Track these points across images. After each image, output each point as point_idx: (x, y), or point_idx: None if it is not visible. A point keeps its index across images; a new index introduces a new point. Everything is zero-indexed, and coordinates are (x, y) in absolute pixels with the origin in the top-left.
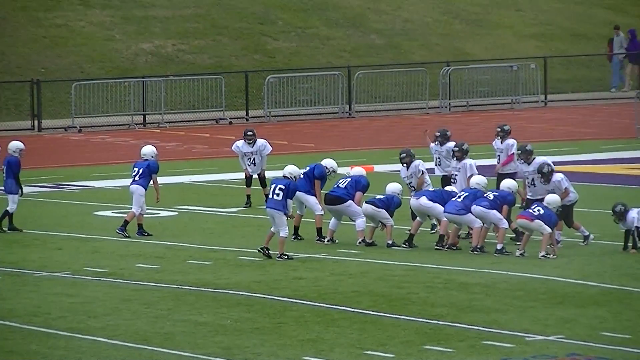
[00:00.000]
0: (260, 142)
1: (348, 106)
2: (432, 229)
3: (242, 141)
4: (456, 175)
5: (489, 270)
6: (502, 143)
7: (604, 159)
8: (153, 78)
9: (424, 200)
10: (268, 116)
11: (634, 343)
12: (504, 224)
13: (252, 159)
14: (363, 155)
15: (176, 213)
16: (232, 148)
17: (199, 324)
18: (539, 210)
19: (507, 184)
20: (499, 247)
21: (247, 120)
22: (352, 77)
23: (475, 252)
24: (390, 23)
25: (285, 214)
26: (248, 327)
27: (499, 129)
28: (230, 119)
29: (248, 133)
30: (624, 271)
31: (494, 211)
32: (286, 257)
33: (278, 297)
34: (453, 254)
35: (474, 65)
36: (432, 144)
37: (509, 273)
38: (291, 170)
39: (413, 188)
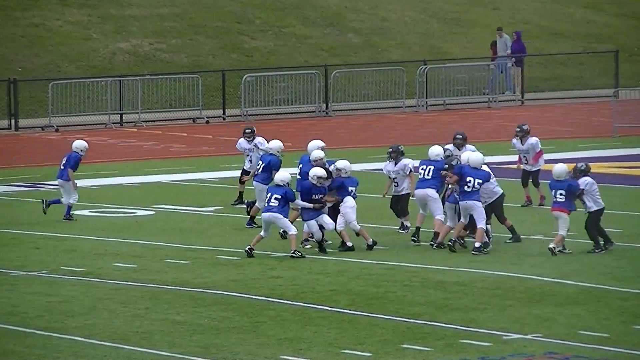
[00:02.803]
0: (258, 139)
1: (325, 105)
2: (401, 228)
3: (243, 139)
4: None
5: (466, 269)
6: (523, 144)
7: (581, 157)
8: (130, 77)
9: (431, 191)
10: (245, 115)
11: (611, 342)
12: (483, 223)
13: (249, 156)
14: (340, 154)
15: (153, 212)
16: (236, 147)
17: (177, 323)
18: (561, 194)
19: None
20: (477, 245)
21: (223, 119)
22: (329, 76)
23: (441, 247)
24: (367, 22)
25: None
26: (226, 326)
27: (518, 129)
28: (207, 118)
29: (247, 131)
30: (602, 270)
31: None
32: (299, 254)
33: (256, 296)
34: (431, 253)
35: (451, 64)
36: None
37: (486, 272)
38: (282, 177)
39: (397, 184)
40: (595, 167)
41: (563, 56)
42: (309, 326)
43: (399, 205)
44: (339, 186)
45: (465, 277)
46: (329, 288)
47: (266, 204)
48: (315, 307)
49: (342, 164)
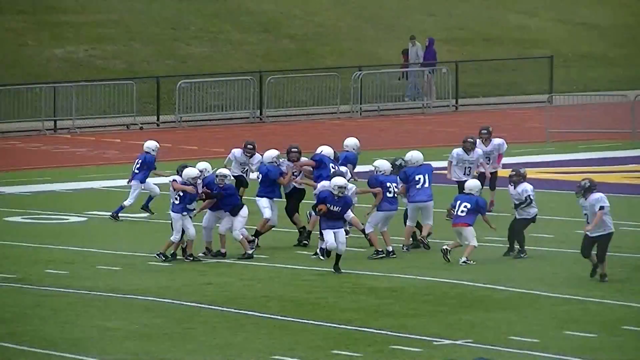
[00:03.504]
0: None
1: (259, 111)
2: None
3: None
4: None
5: (397, 275)
6: (487, 146)
7: (515, 163)
8: (64, 84)
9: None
10: (179, 121)
11: (541, 347)
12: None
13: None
14: None
15: (85, 218)
16: (230, 156)
17: (108, 329)
18: (466, 207)
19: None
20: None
21: (158, 125)
22: (264, 82)
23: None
24: (302, 28)
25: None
26: (157, 332)
27: (484, 131)
28: (141, 124)
29: (248, 146)
30: (532, 275)
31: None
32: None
33: (187, 302)
34: (362, 259)
35: (385, 70)
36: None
37: (418, 277)
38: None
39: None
40: (528, 173)
41: (497, 62)
42: (240, 332)
43: None
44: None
45: (397, 282)
46: (260, 294)
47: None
48: (246, 313)
49: (224, 171)
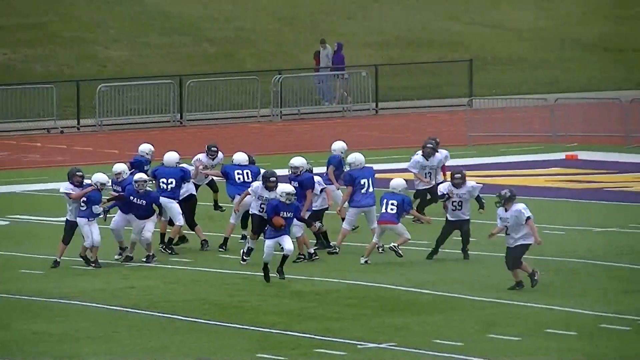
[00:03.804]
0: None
1: (179, 115)
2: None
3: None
4: None
5: (320, 278)
6: (428, 160)
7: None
8: None
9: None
10: (100, 125)
11: (465, 350)
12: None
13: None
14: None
15: (7, 222)
16: (193, 161)
17: (33, 332)
18: (394, 205)
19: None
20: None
21: (78, 129)
22: (184, 85)
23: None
24: (222, 31)
25: None
26: (82, 335)
27: (431, 145)
28: (61, 128)
29: (212, 148)
30: (457, 278)
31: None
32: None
33: (111, 306)
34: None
35: (305, 74)
36: None
37: (342, 281)
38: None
39: None
40: (449, 176)
41: (417, 65)
42: (164, 336)
43: None
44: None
45: (321, 286)
46: (183, 298)
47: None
48: (169, 317)
49: (143, 176)
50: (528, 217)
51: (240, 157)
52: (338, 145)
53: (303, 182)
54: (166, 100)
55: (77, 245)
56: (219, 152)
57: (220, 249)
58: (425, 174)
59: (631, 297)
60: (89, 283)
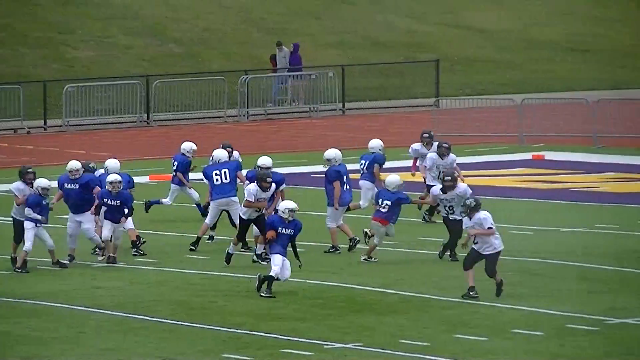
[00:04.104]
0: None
1: (146, 115)
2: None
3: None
4: None
5: (288, 279)
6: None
7: (403, 166)
8: None
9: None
10: (66, 125)
11: (432, 350)
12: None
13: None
14: (161, 164)
15: None
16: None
17: None
18: (387, 204)
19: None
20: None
21: (45, 129)
22: (151, 86)
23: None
24: (188, 32)
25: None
26: (48, 336)
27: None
28: (28, 128)
29: (227, 149)
30: (423, 279)
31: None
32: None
33: (77, 306)
34: (249, 264)
35: (273, 74)
36: None
37: (308, 281)
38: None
39: None
40: (417, 177)
41: (384, 66)
42: (130, 336)
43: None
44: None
45: (287, 286)
46: (149, 298)
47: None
48: (135, 317)
49: (113, 177)
50: (490, 227)
51: (219, 154)
52: (376, 143)
53: (278, 180)
54: (133, 100)
55: (42, 245)
56: (234, 151)
57: (192, 248)
58: (440, 172)
59: (598, 297)
60: (54, 283)
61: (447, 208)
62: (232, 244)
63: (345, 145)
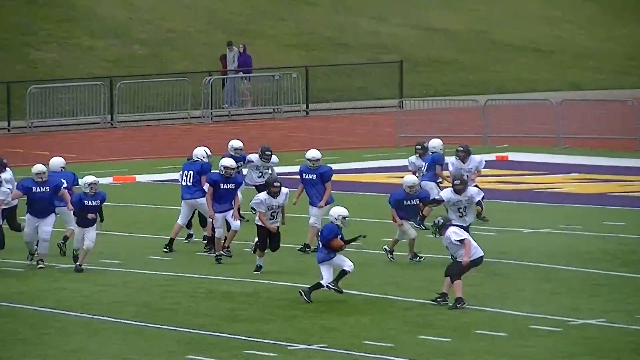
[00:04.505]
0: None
1: (110, 116)
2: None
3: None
4: None
5: (251, 280)
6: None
7: (367, 167)
8: None
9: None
10: (30, 127)
11: (395, 351)
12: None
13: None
14: (125, 165)
15: None
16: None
17: None
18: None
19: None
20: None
21: (9, 131)
22: (115, 87)
23: None
24: (152, 33)
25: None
26: (11, 338)
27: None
28: None
29: (266, 153)
30: (387, 280)
31: None
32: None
33: (41, 307)
34: (214, 265)
35: (235, 75)
36: None
37: (272, 282)
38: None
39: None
40: (380, 177)
41: (348, 67)
42: (95, 337)
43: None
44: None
45: (251, 287)
46: (114, 299)
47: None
48: (100, 319)
49: (92, 179)
50: (460, 240)
51: (196, 152)
52: (437, 143)
53: (237, 183)
54: (97, 102)
55: (9, 246)
56: (273, 154)
57: (165, 250)
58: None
59: (561, 297)
60: (18, 284)
61: (460, 210)
62: (257, 256)
63: (307, 147)
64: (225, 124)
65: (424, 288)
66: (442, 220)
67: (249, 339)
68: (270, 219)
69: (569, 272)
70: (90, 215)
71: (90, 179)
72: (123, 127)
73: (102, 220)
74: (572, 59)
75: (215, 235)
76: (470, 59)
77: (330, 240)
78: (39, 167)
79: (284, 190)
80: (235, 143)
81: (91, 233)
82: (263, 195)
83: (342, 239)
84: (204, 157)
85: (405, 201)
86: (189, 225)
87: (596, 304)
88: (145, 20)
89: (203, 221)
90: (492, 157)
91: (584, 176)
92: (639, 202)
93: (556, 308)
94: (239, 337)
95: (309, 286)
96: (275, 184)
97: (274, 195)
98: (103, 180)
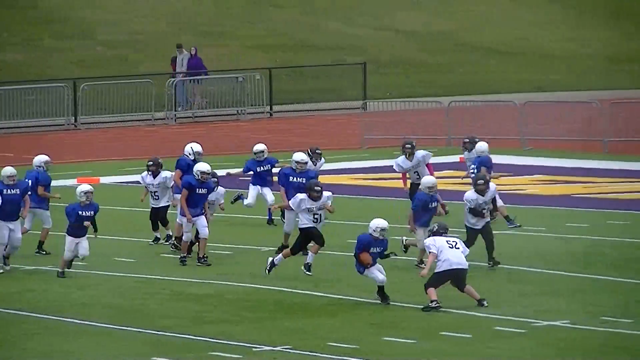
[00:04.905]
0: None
1: (74, 118)
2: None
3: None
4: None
5: (217, 282)
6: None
7: (331, 169)
8: None
9: None
10: None
11: (360, 353)
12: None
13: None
14: (89, 167)
15: None
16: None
17: None
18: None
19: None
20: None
21: None
22: (78, 89)
23: None
24: (117, 35)
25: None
26: None
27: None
28: None
29: (317, 151)
30: (353, 282)
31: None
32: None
33: (7, 309)
34: (179, 267)
35: (200, 77)
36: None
37: (237, 284)
38: None
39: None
40: (344, 179)
41: (312, 68)
42: (61, 339)
43: (160, 215)
44: None
45: (217, 289)
46: (81, 301)
47: None
48: (67, 320)
49: (88, 187)
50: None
51: (186, 149)
52: (485, 146)
53: (209, 188)
54: (61, 103)
55: None
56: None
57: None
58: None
59: (527, 299)
60: None
61: (486, 211)
62: (280, 255)
63: (271, 149)
64: (189, 125)
65: (389, 289)
66: (436, 227)
67: (214, 340)
68: (314, 222)
69: (533, 273)
70: (86, 223)
71: (86, 187)
72: (87, 128)
73: (95, 230)
74: (537, 60)
75: (183, 238)
76: (434, 60)
77: (360, 254)
78: (9, 170)
79: (326, 193)
80: (196, 146)
81: (85, 243)
82: (302, 196)
83: (383, 251)
84: (189, 154)
85: (430, 203)
86: (155, 227)
87: (560, 305)
88: (110, 21)
89: (164, 222)
90: (456, 158)
91: (548, 177)
92: (603, 204)
93: (520, 310)
94: (204, 339)
95: (378, 293)
96: (316, 188)
97: (315, 199)
98: (67, 182)
